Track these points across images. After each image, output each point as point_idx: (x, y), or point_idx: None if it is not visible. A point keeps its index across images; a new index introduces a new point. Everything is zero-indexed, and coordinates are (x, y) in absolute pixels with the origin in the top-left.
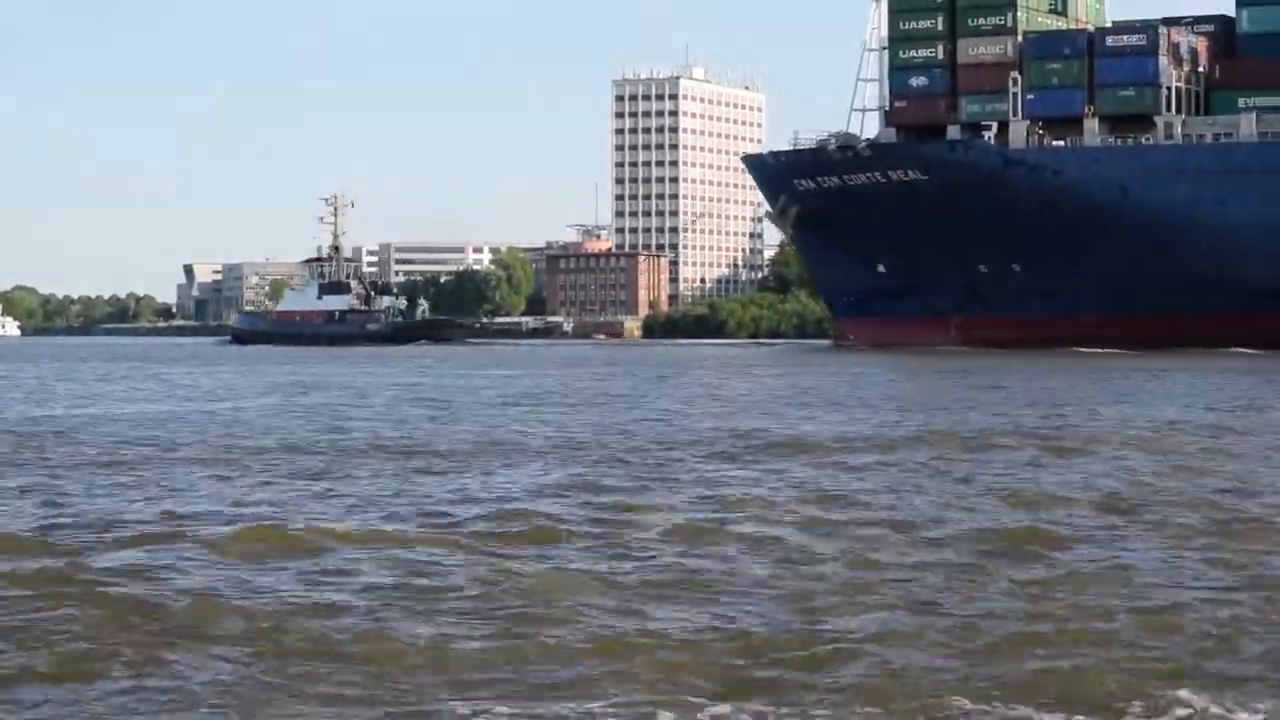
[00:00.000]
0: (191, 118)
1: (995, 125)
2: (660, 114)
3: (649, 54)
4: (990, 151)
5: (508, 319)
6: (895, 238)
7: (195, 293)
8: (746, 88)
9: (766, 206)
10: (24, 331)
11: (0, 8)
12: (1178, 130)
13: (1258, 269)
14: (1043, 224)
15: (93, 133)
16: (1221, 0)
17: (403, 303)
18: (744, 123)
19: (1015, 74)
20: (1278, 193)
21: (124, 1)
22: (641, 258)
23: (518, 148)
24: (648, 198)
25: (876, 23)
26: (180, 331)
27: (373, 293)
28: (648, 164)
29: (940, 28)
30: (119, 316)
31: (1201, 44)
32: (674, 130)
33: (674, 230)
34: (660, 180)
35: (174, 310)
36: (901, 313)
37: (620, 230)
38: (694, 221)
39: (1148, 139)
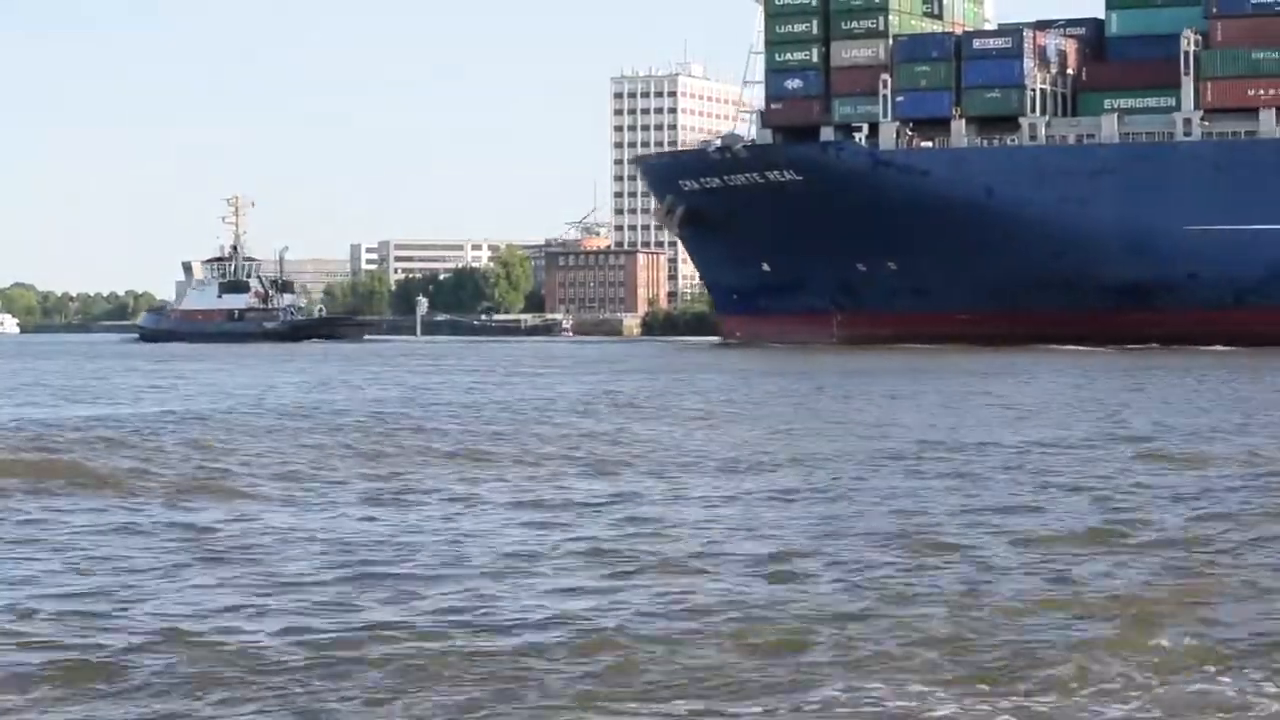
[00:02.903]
0: (189, 115)
1: (866, 127)
2: (659, 111)
3: (648, 51)
4: (860, 153)
5: (507, 316)
6: (776, 237)
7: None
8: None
9: (655, 206)
10: (23, 329)
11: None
12: (1041, 131)
13: (1119, 267)
14: (913, 224)
15: (91, 130)
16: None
17: (302, 301)
18: (743, 119)
19: (886, 76)
20: (1138, 192)
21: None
22: (641, 255)
23: (517, 145)
24: (646, 194)
25: (761, 25)
26: None
27: (273, 291)
28: None
29: (815, 31)
30: (118, 314)
31: (1071, 46)
32: (673, 128)
33: None
34: None
35: None
36: (785, 310)
37: (619, 228)
38: None
39: (1013, 140)
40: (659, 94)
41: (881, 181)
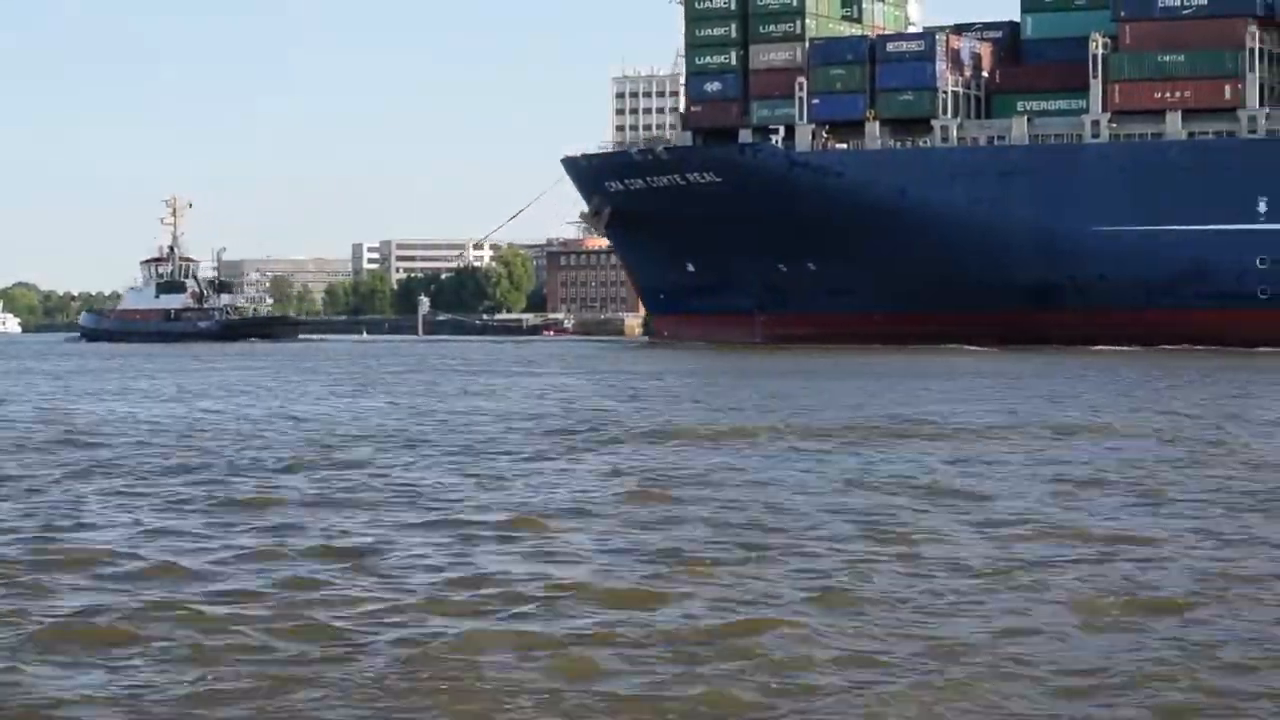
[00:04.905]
0: (189, 115)
1: (783, 129)
2: (661, 111)
3: (650, 50)
4: (777, 154)
5: (508, 316)
6: (700, 238)
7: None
8: None
9: (583, 207)
10: (25, 328)
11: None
12: (953, 133)
13: (1030, 268)
14: (829, 225)
15: (92, 129)
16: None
17: (239, 301)
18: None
19: (802, 79)
20: (1047, 193)
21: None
22: None
23: (518, 145)
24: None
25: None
26: None
27: (211, 291)
28: None
29: (734, 35)
30: None
31: (986, 49)
32: (674, 127)
33: None
34: None
35: None
36: (711, 310)
37: None
38: None
39: (925, 142)
40: (660, 93)
41: (797, 183)
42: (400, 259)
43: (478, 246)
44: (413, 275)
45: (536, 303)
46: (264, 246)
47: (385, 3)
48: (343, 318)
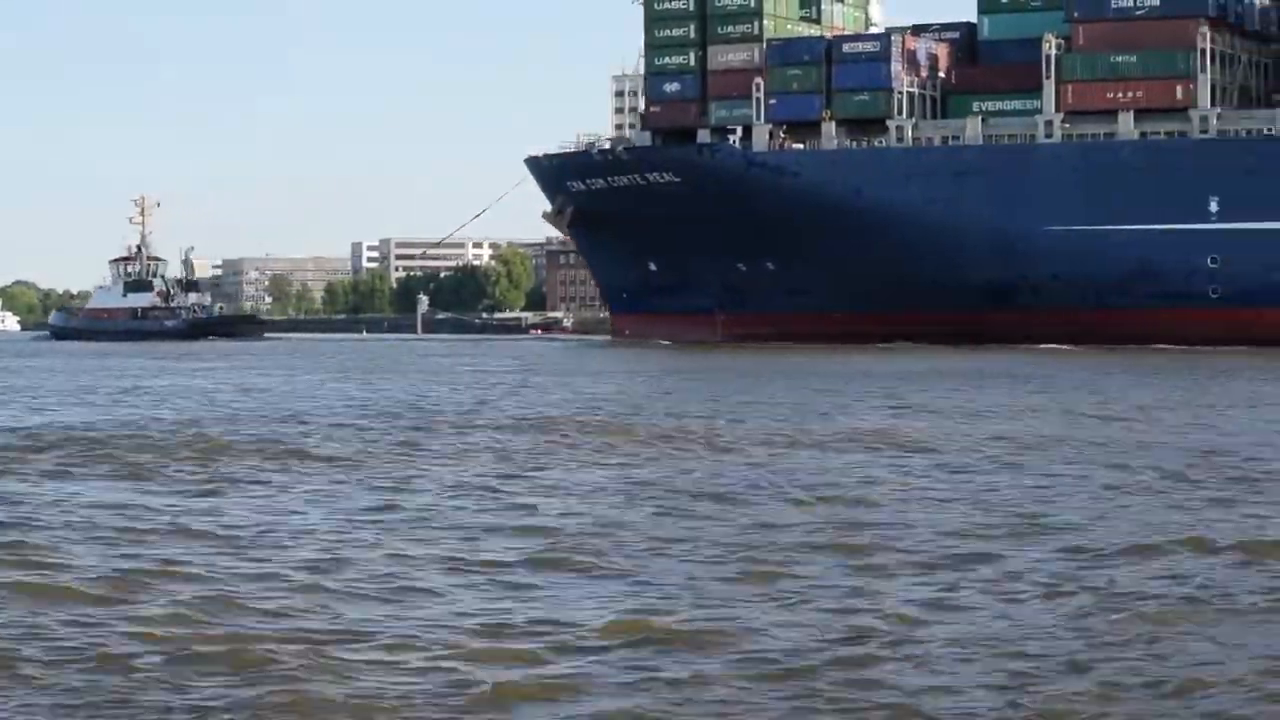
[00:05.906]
0: (189, 115)
1: (740, 129)
2: None
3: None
4: (734, 155)
5: (508, 315)
6: (660, 237)
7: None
8: None
9: (548, 207)
10: (24, 326)
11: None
12: (908, 133)
13: (984, 268)
14: (786, 224)
15: (92, 129)
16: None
17: (207, 299)
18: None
19: (759, 80)
20: (1000, 193)
21: None
22: None
23: (518, 145)
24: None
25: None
26: None
27: (178, 290)
28: None
29: (692, 36)
30: None
31: (943, 50)
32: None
33: None
34: None
35: None
36: (672, 309)
37: None
38: None
39: (880, 142)
40: None
41: (755, 183)
42: (399, 258)
43: (437, 245)
44: (412, 274)
45: (536, 301)
46: (263, 245)
47: (385, 3)
48: (342, 316)
